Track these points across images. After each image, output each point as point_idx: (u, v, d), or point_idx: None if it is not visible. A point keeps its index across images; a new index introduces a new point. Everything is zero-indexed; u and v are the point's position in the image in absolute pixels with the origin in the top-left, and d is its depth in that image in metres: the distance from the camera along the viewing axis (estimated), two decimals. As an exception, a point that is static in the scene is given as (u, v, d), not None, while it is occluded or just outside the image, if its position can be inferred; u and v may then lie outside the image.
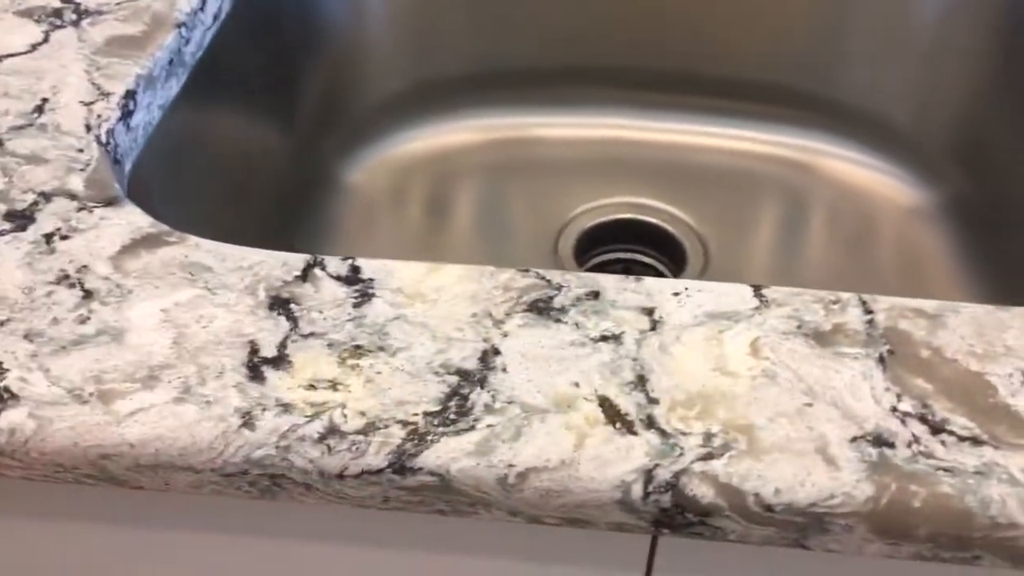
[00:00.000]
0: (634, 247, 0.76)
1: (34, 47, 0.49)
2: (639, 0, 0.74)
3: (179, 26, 0.51)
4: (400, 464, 0.32)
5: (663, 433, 0.32)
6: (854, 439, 0.32)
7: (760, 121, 0.79)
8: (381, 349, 0.35)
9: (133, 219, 0.40)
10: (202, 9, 0.54)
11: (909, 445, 0.32)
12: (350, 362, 0.34)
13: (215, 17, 0.55)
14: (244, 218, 0.61)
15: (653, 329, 0.36)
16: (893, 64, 0.71)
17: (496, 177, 0.77)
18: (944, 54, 0.70)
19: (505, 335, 0.35)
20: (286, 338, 0.35)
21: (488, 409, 0.33)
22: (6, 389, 0.33)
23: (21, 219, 0.40)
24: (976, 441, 0.32)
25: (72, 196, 0.41)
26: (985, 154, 0.69)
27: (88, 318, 0.36)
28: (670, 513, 0.32)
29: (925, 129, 0.73)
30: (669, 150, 0.80)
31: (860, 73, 0.73)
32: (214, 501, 0.36)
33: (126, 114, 0.46)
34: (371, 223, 0.74)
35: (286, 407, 0.33)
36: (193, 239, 0.39)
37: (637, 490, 0.31)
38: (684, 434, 0.32)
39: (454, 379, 0.34)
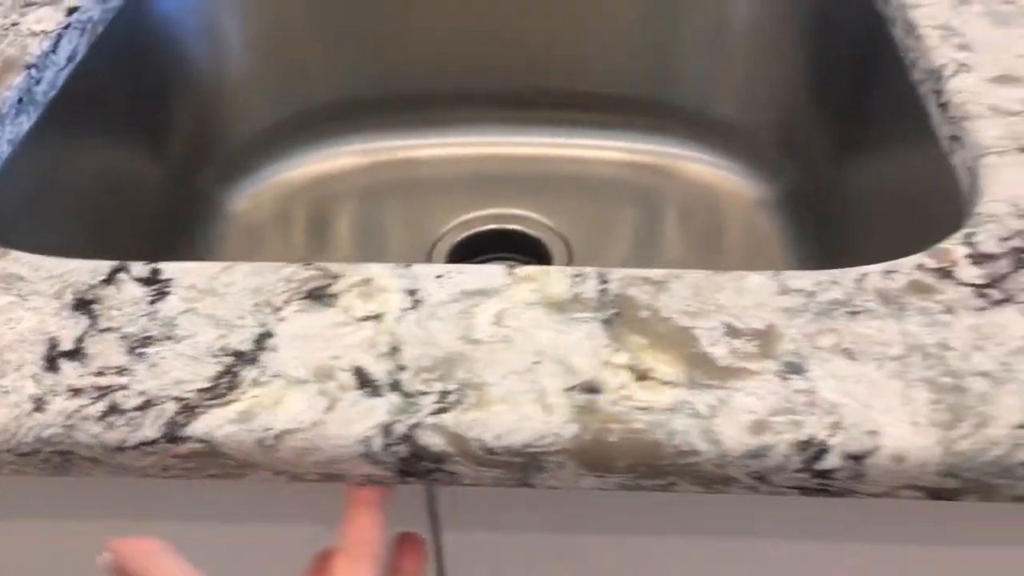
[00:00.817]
0: (504, 254, 0.81)
1: None
2: (495, 25, 0.80)
3: (29, 68, 0.56)
4: (172, 434, 0.36)
5: (405, 394, 0.37)
6: (569, 388, 0.37)
7: (615, 130, 0.84)
8: (168, 338, 0.40)
9: (-39, 240, 0.44)
10: (54, 52, 0.58)
11: (615, 391, 0.37)
12: (138, 351, 0.39)
13: (69, 59, 0.60)
14: (116, 247, 0.66)
15: (413, 308, 0.41)
16: (720, 68, 0.77)
17: (373, 198, 0.82)
18: (762, 56, 0.76)
19: (281, 320, 0.40)
20: (84, 334, 0.40)
21: (255, 383, 0.38)
22: None
23: None
24: (673, 384, 0.37)
25: (-91, 223, 0.45)
26: (808, 150, 0.75)
27: (-91, 327, 0.40)
28: (409, 462, 0.36)
29: (757, 128, 0.79)
30: (535, 163, 0.85)
31: (695, 79, 0.79)
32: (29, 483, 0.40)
33: (-32, 150, 0.51)
34: (254, 249, 0.79)
35: (76, 392, 0.38)
36: (13, 253, 0.44)
37: (378, 443, 0.36)
38: (424, 394, 0.37)
39: (229, 359, 0.39)
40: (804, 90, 0.74)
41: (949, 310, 0.39)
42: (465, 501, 0.42)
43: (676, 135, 0.83)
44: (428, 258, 0.78)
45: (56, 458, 0.37)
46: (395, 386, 0.37)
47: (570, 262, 0.78)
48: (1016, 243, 0.42)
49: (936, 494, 0.36)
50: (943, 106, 0.51)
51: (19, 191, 0.56)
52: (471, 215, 0.82)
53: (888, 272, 0.41)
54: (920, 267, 0.41)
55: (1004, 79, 0.51)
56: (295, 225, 0.81)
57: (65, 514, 0.44)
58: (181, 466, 0.37)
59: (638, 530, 0.43)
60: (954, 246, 0.42)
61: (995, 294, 0.40)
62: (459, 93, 0.83)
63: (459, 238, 0.80)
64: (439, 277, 0.42)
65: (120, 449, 0.36)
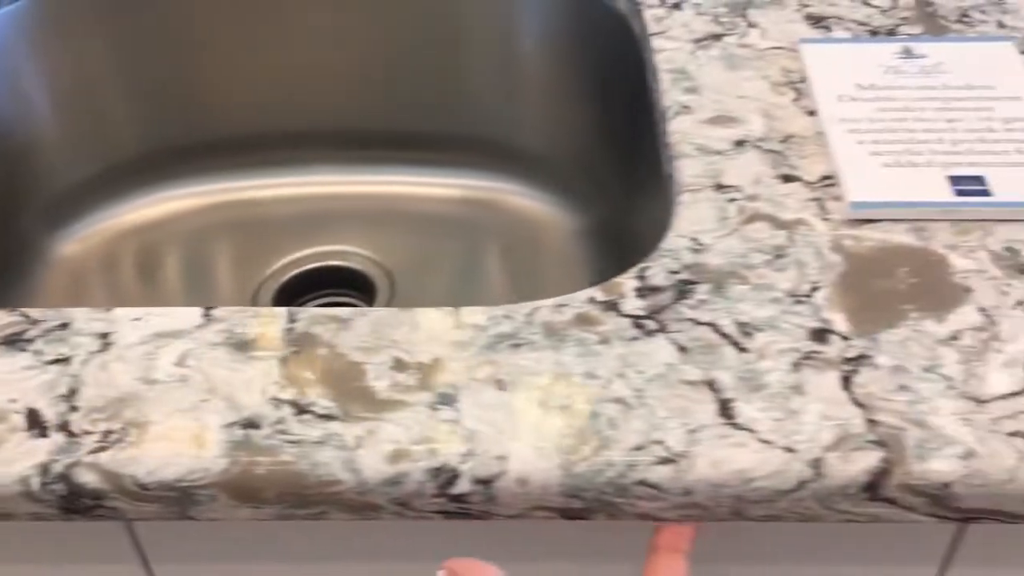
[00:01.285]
0: (331, 290, 0.84)
1: None
2: (307, 64, 0.82)
3: None
4: None
5: (71, 434, 0.39)
6: (229, 424, 0.39)
7: (436, 167, 0.87)
8: None
9: None
10: None
11: (272, 425, 0.39)
12: None
13: None
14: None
15: (103, 350, 0.42)
16: (521, 104, 0.80)
17: (200, 241, 0.84)
18: (557, 97, 0.79)
19: (-27, 366, 0.42)
20: None
21: (-70, 427, 0.39)
22: None
23: None
24: (329, 417, 0.39)
25: None
26: (608, 183, 0.78)
27: None
28: (69, 499, 0.38)
29: (566, 161, 0.82)
30: (365, 200, 0.88)
31: (501, 116, 0.82)
32: None
33: None
34: (80, 292, 0.80)
35: None
36: None
37: (36, 482, 0.38)
38: (88, 433, 0.39)
39: (-88, 405, 0.40)
40: (596, 127, 0.77)
41: (604, 340, 0.42)
42: (169, 534, 0.44)
43: (494, 170, 0.86)
44: (253, 300, 0.80)
45: None
46: (63, 427, 0.39)
47: (392, 295, 0.80)
48: (683, 276, 0.45)
49: (566, 514, 0.38)
50: (665, 146, 0.54)
51: None
52: (298, 255, 0.84)
53: (559, 305, 0.44)
54: (591, 300, 0.44)
55: (718, 120, 0.54)
56: (121, 270, 0.82)
57: None
58: None
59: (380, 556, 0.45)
60: (626, 279, 0.45)
61: (650, 324, 0.43)
62: (278, 134, 0.85)
63: (285, 277, 0.82)
64: (136, 320, 0.44)
65: None
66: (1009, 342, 0.41)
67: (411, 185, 0.88)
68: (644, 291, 0.44)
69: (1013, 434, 0.38)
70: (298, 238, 0.85)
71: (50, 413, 0.40)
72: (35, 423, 0.39)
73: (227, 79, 0.82)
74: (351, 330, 0.43)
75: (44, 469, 0.38)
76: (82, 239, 0.84)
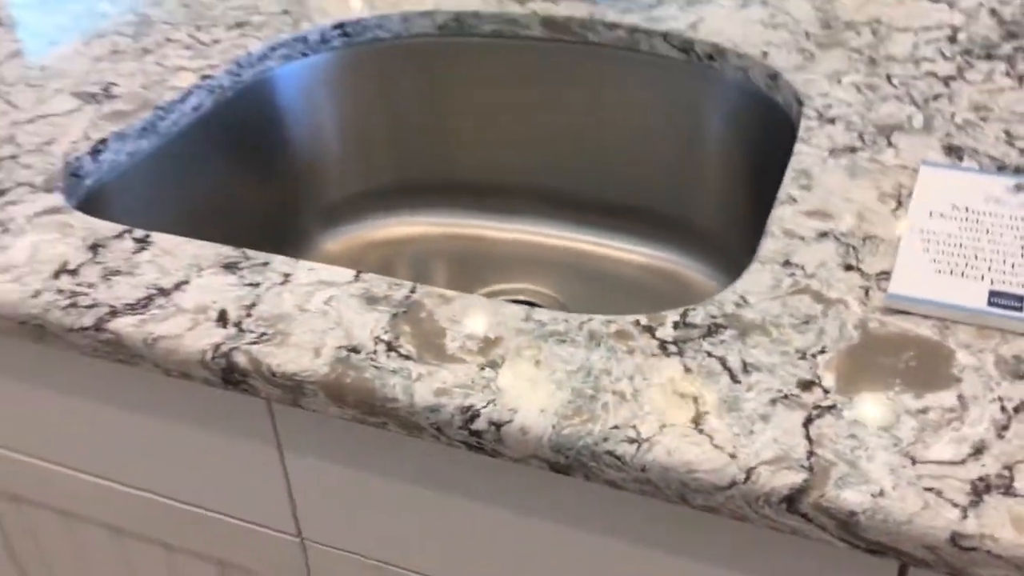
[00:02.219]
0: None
1: (68, 113, 0.81)
2: (536, 133, 0.99)
3: (155, 108, 0.81)
4: (99, 326, 0.57)
5: (240, 329, 0.56)
6: (340, 347, 0.54)
7: (630, 235, 1.00)
8: (128, 274, 0.61)
9: (50, 201, 0.69)
10: (182, 102, 0.84)
11: (368, 353, 0.53)
12: (112, 278, 0.60)
13: (195, 108, 0.85)
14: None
15: (282, 283, 0.59)
16: (701, 193, 0.91)
17: (425, 261, 1.03)
18: (725, 184, 0.89)
19: (200, 276, 0.60)
20: (88, 260, 0.62)
21: (176, 309, 0.58)
22: (-64, 265, 0.62)
23: (-3, 194, 0.70)
24: (407, 357, 0.53)
25: (32, 186, 0.70)
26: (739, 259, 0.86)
27: (-5, 240, 0.64)
28: (226, 372, 0.55)
29: (723, 239, 0.91)
30: (564, 252, 1.02)
31: (687, 199, 0.93)
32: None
33: (94, 151, 0.76)
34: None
35: (72, 295, 0.59)
36: (77, 215, 0.67)
37: (209, 355, 0.55)
38: (251, 332, 0.55)
39: (154, 291, 0.59)
40: (748, 211, 0.86)
41: (630, 352, 0.53)
42: (305, 427, 0.60)
43: (682, 247, 0.97)
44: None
45: (34, 329, 0.59)
46: (237, 324, 0.56)
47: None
48: (718, 321, 0.54)
49: (554, 467, 0.49)
50: (770, 233, 0.64)
51: (136, 192, 0.80)
52: (497, 287, 1.00)
53: (608, 321, 0.55)
54: (635, 323, 0.55)
55: (815, 213, 0.63)
56: (365, 268, 1.01)
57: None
58: (103, 350, 0.57)
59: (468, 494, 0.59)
60: (671, 314, 0.55)
61: (672, 348, 0.53)
62: (504, 185, 1.02)
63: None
64: (311, 270, 0.60)
65: (70, 329, 0.57)
66: (970, 426, 0.47)
67: (603, 247, 1.01)
68: (680, 324, 0.54)
69: (928, 489, 0.44)
70: (501, 273, 1.01)
71: (233, 314, 0.57)
72: (221, 318, 0.57)
73: (471, 135, 1.00)
74: (450, 306, 0.57)
75: (216, 347, 0.55)
76: (340, 241, 1.04)
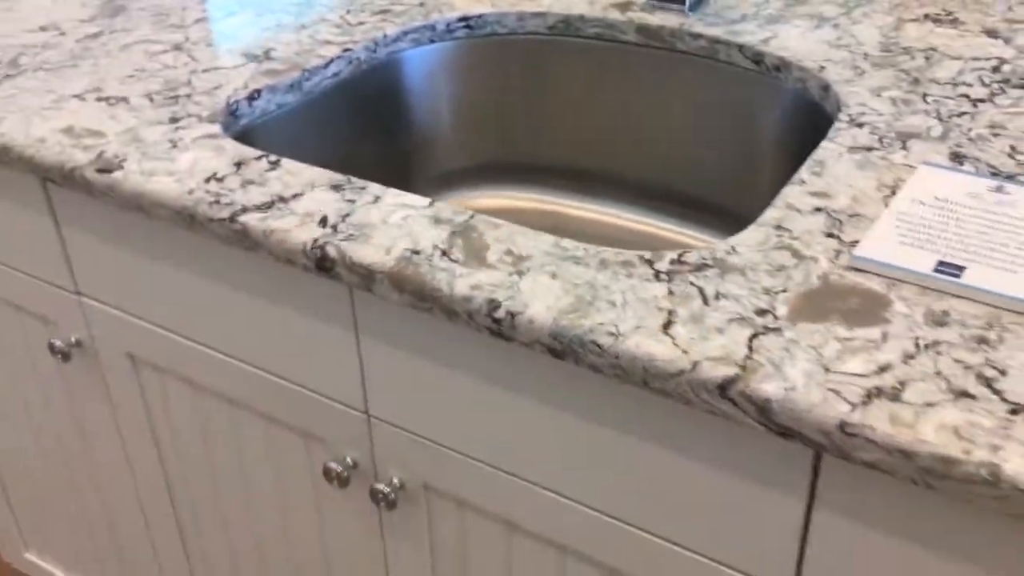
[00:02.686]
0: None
1: (235, 67, 1.00)
2: (620, 125, 1.12)
3: (303, 71, 1.00)
4: (233, 217, 0.74)
5: (334, 230, 0.72)
6: (405, 249, 0.70)
7: (691, 220, 1.12)
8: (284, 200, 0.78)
9: (211, 130, 0.87)
10: (324, 68, 1.02)
11: (426, 255, 0.69)
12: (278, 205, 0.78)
13: (335, 74, 1.03)
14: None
15: (373, 203, 0.75)
16: (742, 180, 1.03)
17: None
18: (762, 173, 1.00)
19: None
20: (231, 172, 0.80)
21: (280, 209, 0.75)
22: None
23: (173, 122, 0.89)
24: (455, 261, 0.68)
25: (199, 117, 0.89)
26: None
27: (176, 142, 0.83)
28: (320, 261, 0.71)
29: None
30: (628, 232, 1.15)
31: (733, 185, 1.05)
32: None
33: (250, 98, 0.94)
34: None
35: (216, 195, 0.77)
36: (229, 142, 0.85)
37: (308, 246, 0.71)
38: (342, 232, 0.72)
39: (276, 200, 0.76)
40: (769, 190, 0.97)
41: (629, 276, 0.66)
42: (378, 315, 0.75)
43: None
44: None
45: (187, 218, 0.77)
46: (333, 226, 0.72)
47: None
48: (707, 262, 0.67)
49: (552, 352, 0.63)
50: (774, 205, 0.76)
51: (279, 135, 0.99)
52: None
53: (618, 253, 0.68)
54: (640, 256, 0.68)
55: (817, 194, 0.75)
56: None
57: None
58: (233, 237, 0.75)
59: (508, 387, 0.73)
60: (670, 253, 0.68)
61: (663, 276, 0.66)
62: (584, 169, 1.16)
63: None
64: (397, 195, 0.76)
65: (216, 220, 0.75)
66: (883, 353, 0.58)
67: (666, 230, 1.14)
68: (675, 261, 0.67)
69: (831, 390, 0.56)
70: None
71: (331, 219, 0.73)
72: (322, 222, 0.73)
73: (566, 123, 1.14)
74: (498, 230, 0.71)
75: (315, 241, 0.71)
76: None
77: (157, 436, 1.04)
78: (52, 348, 1.02)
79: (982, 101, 0.88)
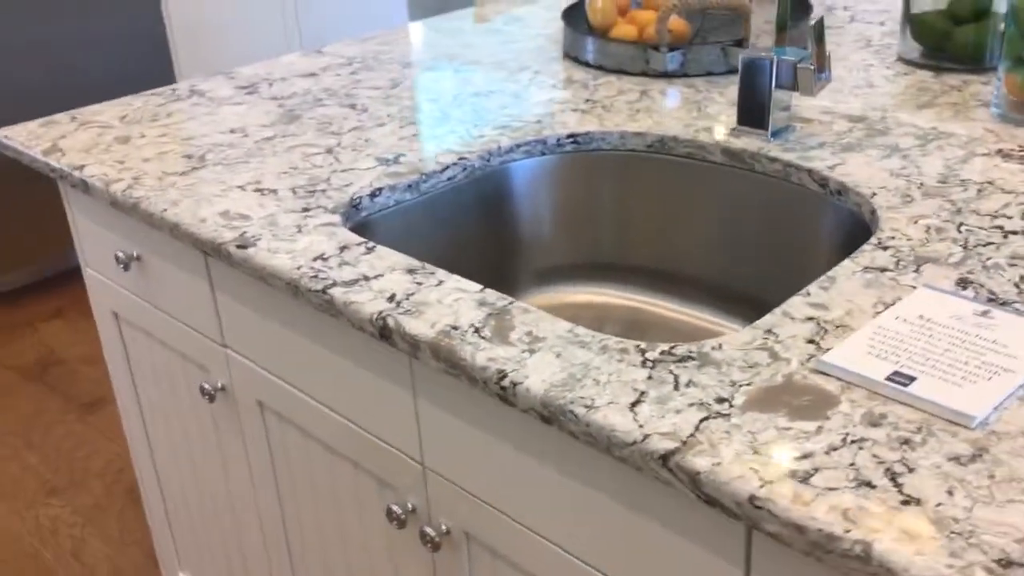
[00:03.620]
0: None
1: (367, 169, 1.20)
2: (688, 231, 1.24)
3: (421, 174, 1.18)
4: (323, 289, 0.92)
5: (397, 305, 0.88)
6: (447, 325, 0.84)
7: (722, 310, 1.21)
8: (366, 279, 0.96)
9: (332, 219, 1.06)
10: (441, 173, 1.20)
11: (462, 332, 0.83)
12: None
13: (450, 179, 1.21)
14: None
15: (437, 286, 0.91)
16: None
17: (593, 320, 1.30)
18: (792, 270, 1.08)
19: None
20: (335, 254, 0.98)
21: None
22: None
23: (304, 211, 1.09)
24: (483, 338, 0.82)
25: (325, 208, 1.09)
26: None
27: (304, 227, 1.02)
28: (382, 330, 0.87)
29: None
30: (704, 331, 1.25)
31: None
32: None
33: (372, 195, 1.14)
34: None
35: (316, 271, 0.96)
36: (341, 230, 1.04)
37: (374, 317, 0.88)
38: (403, 308, 0.88)
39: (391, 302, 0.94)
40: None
41: (621, 361, 0.78)
42: (432, 378, 0.90)
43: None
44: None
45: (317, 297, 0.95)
46: (398, 302, 0.89)
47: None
48: (693, 355, 0.78)
49: (542, 417, 0.76)
50: (772, 312, 0.85)
51: (393, 227, 1.17)
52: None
53: (620, 342, 0.80)
54: (636, 346, 0.80)
55: (816, 305, 0.84)
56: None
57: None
58: (324, 305, 0.92)
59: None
60: (661, 345, 0.80)
61: (648, 364, 0.77)
62: (670, 272, 1.27)
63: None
64: (456, 281, 0.92)
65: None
66: (812, 443, 0.67)
67: (721, 325, 1.23)
68: (665, 352, 0.79)
69: (752, 468, 0.65)
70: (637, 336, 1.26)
71: (398, 296, 0.89)
72: (390, 297, 0.89)
73: (654, 230, 1.27)
74: (526, 315, 0.85)
75: (380, 312, 0.87)
76: (538, 300, 1.35)
77: (277, 473, 1.22)
78: (202, 390, 1.23)
79: (1014, 233, 0.94)
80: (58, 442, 2.18)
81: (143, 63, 2.89)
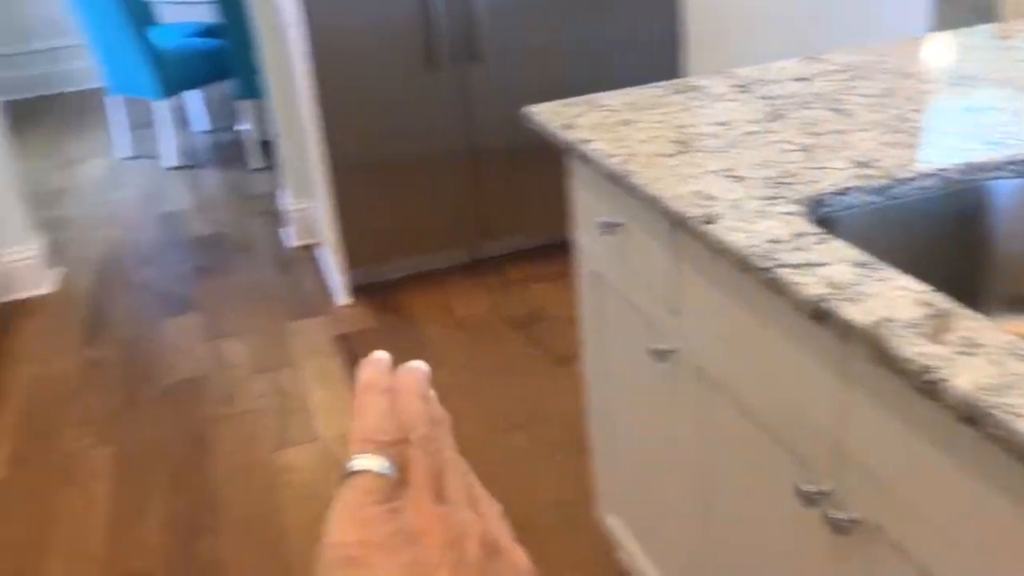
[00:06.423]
0: None
1: (839, 169, 1.24)
2: None
3: (894, 179, 1.19)
4: (767, 268, 0.99)
5: (838, 291, 0.93)
6: (882, 317, 0.87)
7: None
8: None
9: (792, 208, 1.13)
10: (913, 180, 1.20)
11: (900, 327, 0.86)
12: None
13: (921, 189, 1.21)
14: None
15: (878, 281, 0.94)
16: None
17: None
18: None
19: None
20: (789, 238, 1.05)
21: (807, 271, 0.98)
22: (717, 221, 1.12)
23: (769, 200, 1.16)
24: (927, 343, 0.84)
25: (789, 199, 1.16)
26: None
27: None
28: (814, 312, 0.92)
29: None
30: None
31: None
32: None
33: (839, 193, 1.18)
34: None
35: (767, 251, 1.03)
36: (798, 220, 1.10)
37: (814, 298, 0.93)
38: (842, 296, 0.92)
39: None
40: None
41: None
42: (864, 368, 0.94)
43: None
44: None
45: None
46: (840, 289, 0.93)
47: None
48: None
49: (964, 419, 0.76)
50: None
51: (854, 226, 1.20)
52: None
53: None
54: None
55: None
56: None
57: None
58: (767, 282, 1.00)
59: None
60: None
61: None
62: None
63: None
64: (930, 291, 0.94)
65: (758, 267, 1.01)
66: None
67: None
68: None
69: None
70: None
71: (842, 284, 0.94)
72: (832, 284, 0.94)
73: None
74: (971, 322, 0.85)
75: (820, 296, 0.93)
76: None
77: (705, 436, 1.32)
78: (654, 352, 1.36)
79: None
80: (529, 386, 2.48)
81: (658, 61, 3.14)
